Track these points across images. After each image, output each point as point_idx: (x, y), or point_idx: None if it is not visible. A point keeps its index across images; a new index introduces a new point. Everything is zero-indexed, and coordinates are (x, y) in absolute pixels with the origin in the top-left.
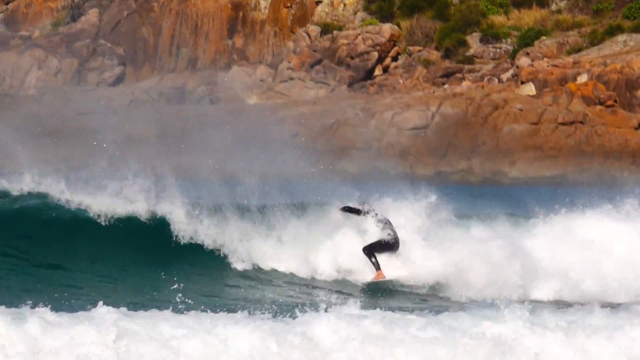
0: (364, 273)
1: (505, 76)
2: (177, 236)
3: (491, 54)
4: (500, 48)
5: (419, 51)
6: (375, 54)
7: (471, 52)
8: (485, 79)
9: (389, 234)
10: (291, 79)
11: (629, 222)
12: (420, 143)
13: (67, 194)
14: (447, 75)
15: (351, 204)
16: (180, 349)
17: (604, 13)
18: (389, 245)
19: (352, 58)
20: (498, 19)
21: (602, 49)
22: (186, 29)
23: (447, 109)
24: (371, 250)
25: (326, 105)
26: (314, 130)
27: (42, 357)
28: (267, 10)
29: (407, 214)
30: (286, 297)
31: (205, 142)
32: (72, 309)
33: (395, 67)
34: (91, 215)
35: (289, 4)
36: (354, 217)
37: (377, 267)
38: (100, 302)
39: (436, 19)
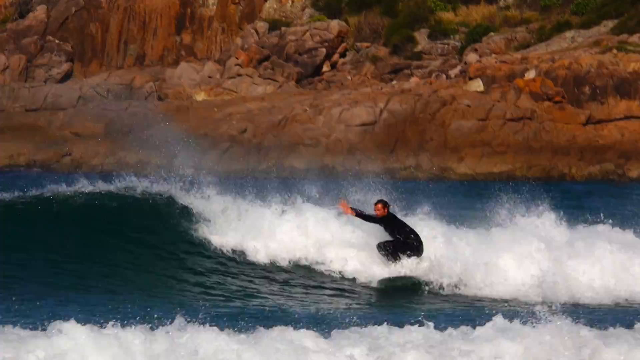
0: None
1: (453, 72)
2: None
3: (439, 50)
4: (448, 44)
5: (367, 47)
6: (324, 50)
7: (419, 48)
8: (434, 75)
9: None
10: (239, 75)
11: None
12: (369, 139)
13: None
14: (395, 71)
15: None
16: None
17: (552, 9)
18: (413, 247)
19: (300, 54)
20: (446, 15)
21: (550, 45)
22: (134, 26)
23: (395, 105)
24: (395, 250)
25: (274, 102)
26: (262, 126)
27: None
28: (215, 7)
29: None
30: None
31: (152, 139)
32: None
33: (343, 63)
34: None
35: (237, 1)
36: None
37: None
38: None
39: (384, 15)
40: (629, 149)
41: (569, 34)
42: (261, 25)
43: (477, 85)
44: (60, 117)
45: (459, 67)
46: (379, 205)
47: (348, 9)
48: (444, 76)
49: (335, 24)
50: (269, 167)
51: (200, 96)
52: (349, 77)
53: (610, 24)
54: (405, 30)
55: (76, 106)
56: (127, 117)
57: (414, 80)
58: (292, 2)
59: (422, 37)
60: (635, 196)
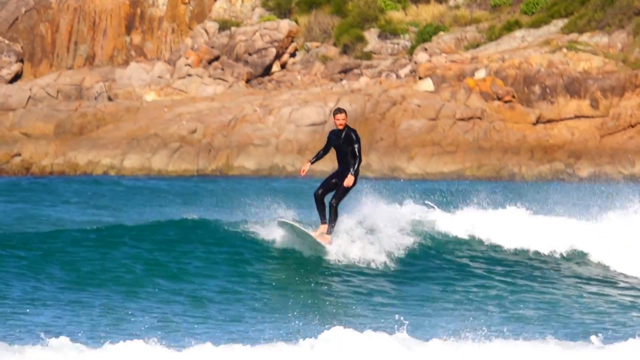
0: None
1: (403, 72)
2: None
3: (389, 50)
4: (398, 44)
5: (317, 47)
6: (273, 50)
7: (369, 48)
8: (383, 74)
9: None
10: (189, 75)
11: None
12: (319, 139)
13: None
14: (345, 71)
15: None
16: None
17: (502, 9)
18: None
19: (250, 54)
20: (396, 15)
21: (500, 44)
22: (84, 26)
23: (344, 105)
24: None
25: (224, 102)
26: (212, 126)
27: None
28: (164, 7)
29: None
30: None
31: (103, 139)
32: None
33: (293, 63)
34: None
35: (186, 1)
36: None
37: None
38: None
39: (334, 15)
40: (579, 149)
41: (519, 33)
42: (211, 26)
43: (427, 84)
44: (10, 117)
45: (408, 67)
46: (342, 115)
47: (298, 8)
48: (394, 76)
49: (285, 24)
50: (218, 167)
51: (150, 96)
52: (299, 77)
53: (560, 23)
54: (355, 30)
55: (26, 106)
56: (77, 117)
57: (363, 80)
58: (242, 2)
59: (372, 37)
60: None
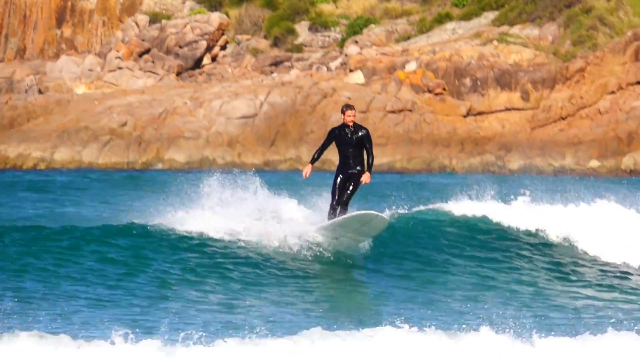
0: None
1: (334, 64)
2: None
3: (320, 43)
4: (329, 36)
5: (248, 40)
6: (204, 43)
7: (300, 40)
8: (314, 67)
9: None
10: (120, 68)
11: None
12: (249, 132)
13: None
14: (276, 63)
15: None
16: None
17: (433, 1)
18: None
19: (180, 47)
20: (327, 7)
21: (431, 37)
22: (15, 19)
23: (275, 97)
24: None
25: (155, 95)
26: (143, 119)
27: None
28: (95, 0)
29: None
30: None
31: (33, 132)
32: None
33: (224, 56)
34: None
35: None
36: None
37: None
38: None
39: (265, 8)
40: (509, 141)
41: (449, 25)
42: (142, 19)
43: (358, 77)
44: None
45: (339, 59)
46: (353, 112)
47: (228, 1)
48: (325, 68)
49: (215, 17)
50: (148, 160)
51: (81, 89)
52: (230, 70)
53: (491, 15)
54: (285, 23)
55: None
56: (8, 110)
57: (294, 72)
58: None
59: (302, 30)
60: None
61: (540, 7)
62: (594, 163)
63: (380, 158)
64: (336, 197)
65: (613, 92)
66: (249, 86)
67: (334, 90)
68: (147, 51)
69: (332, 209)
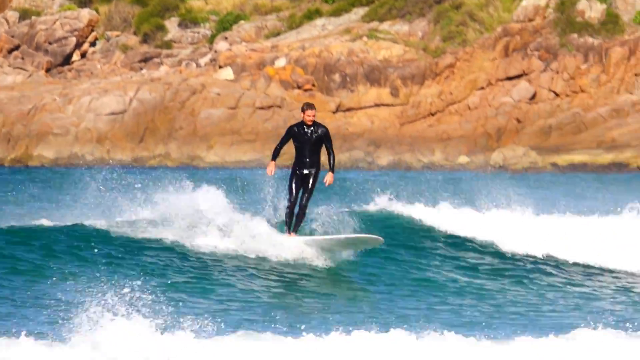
0: None
1: (203, 61)
2: None
3: (189, 39)
4: (198, 33)
5: (117, 36)
6: (74, 40)
7: (169, 37)
8: (184, 63)
9: None
10: None
11: None
12: (118, 128)
13: None
14: (145, 60)
15: None
16: None
17: None
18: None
19: (50, 43)
20: (196, 3)
21: (301, 33)
22: None
23: (144, 93)
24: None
25: (24, 91)
26: (11, 116)
27: None
28: None
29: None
30: None
31: None
32: None
33: (94, 52)
34: None
35: None
36: None
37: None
38: None
39: (135, 4)
40: (379, 137)
41: (319, 22)
42: (11, 15)
43: (227, 73)
44: None
45: (209, 56)
46: (313, 112)
47: None
48: (194, 65)
49: (85, 13)
50: (17, 156)
51: None
52: (99, 66)
53: (360, 11)
54: (155, 19)
55: None
56: None
57: (163, 68)
58: None
59: (172, 26)
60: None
61: (410, 3)
62: (463, 159)
63: (249, 154)
64: (293, 196)
65: (482, 88)
66: (118, 82)
67: (203, 86)
68: (17, 47)
69: (289, 209)
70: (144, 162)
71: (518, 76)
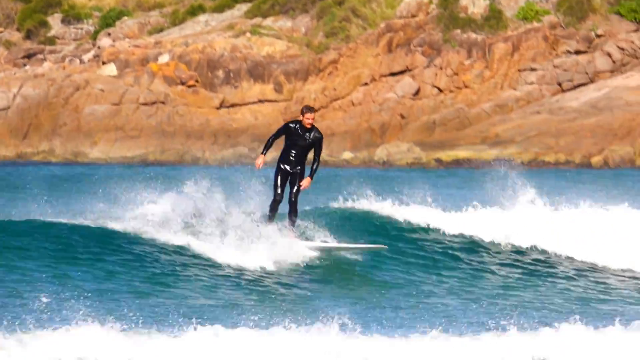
0: None
1: (86, 57)
2: None
3: (73, 35)
4: (82, 29)
5: (0, 32)
6: None
7: (53, 33)
8: (67, 59)
9: None
10: None
11: None
12: (2, 124)
13: None
14: (29, 56)
15: None
16: None
17: None
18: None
19: None
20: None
21: (184, 29)
22: None
23: (28, 90)
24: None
25: None
26: None
27: None
28: None
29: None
30: None
31: None
32: None
33: None
34: None
35: None
36: None
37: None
38: None
39: (17, 0)
40: (263, 133)
41: (202, 18)
42: None
43: (111, 69)
44: None
45: (92, 52)
46: (313, 115)
47: None
48: (78, 61)
49: None
50: None
51: None
52: None
53: (244, 7)
54: (38, 15)
55: None
56: None
57: (47, 65)
58: None
59: (55, 22)
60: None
61: (293, 0)
62: (347, 155)
63: (133, 150)
64: (278, 192)
65: (366, 84)
66: (1, 79)
67: (87, 82)
68: None
69: (273, 203)
70: (28, 158)
71: (401, 72)
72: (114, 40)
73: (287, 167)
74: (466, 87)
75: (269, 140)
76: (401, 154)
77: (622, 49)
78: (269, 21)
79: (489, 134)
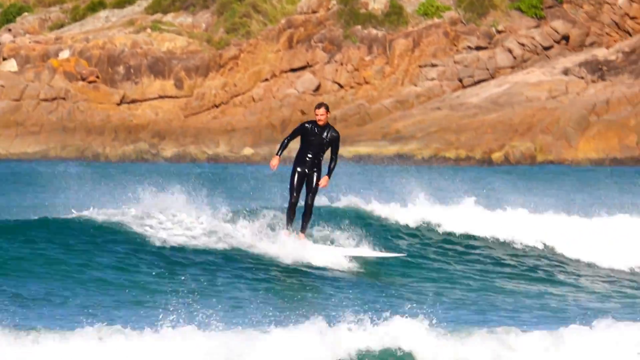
0: None
1: None
2: None
3: None
4: None
5: None
6: None
7: None
8: None
9: None
10: None
11: None
12: None
13: None
14: None
15: None
16: None
17: None
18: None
19: None
20: None
21: (85, 25)
22: None
23: None
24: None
25: None
26: None
27: None
28: None
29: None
30: None
31: None
32: None
33: None
34: None
35: None
36: None
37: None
38: None
39: None
40: (163, 129)
41: (103, 13)
42: None
43: (11, 65)
44: None
45: None
46: (324, 110)
47: None
48: None
49: None
50: None
51: None
52: None
53: (144, 3)
54: None
55: None
56: None
57: None
58: None
59: None
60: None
61: None
62: (248, 150)
63: (34, 146)
64: (293, 195)
65: (267, 80)
66: None
67: None
68: None
69: (290, 207)
70: None
71: (302, 68)
72: (14, 36)
73: (303, 170)
74: (367, 83)
75: (284, 141)
76: None
77: (522, 44)
78: (169, 17)
79: (389, 130)
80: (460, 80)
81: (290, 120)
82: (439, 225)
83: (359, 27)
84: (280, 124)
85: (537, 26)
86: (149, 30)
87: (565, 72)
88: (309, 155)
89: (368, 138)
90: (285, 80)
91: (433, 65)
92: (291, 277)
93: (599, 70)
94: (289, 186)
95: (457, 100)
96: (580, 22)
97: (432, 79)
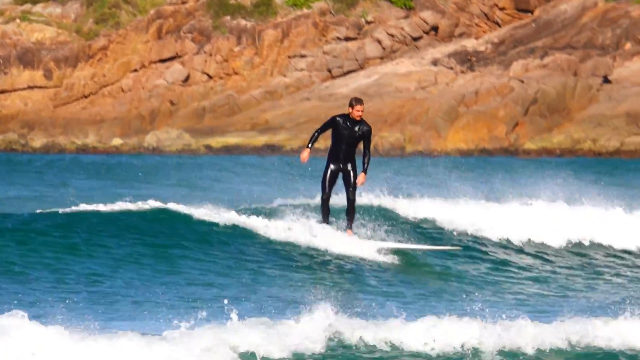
0: None
1: None
2: None
3: None
4: None
5: None
6: None
7: None
8: None
9: None
10: None
11: None
12: None
13: None
14: None
15: None
16: None
17: None
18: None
19: None
20: None
21: None
22: None
23: None
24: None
25: None
26: None
27: None
28: None
29: None
30: None
31: None
32: None
33: None
34: None
35: None
36: None
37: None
38: None
39: None
40: (32, 119)
41: None
42: None
43: None
44: None
45: None
46: (362, 107)
47: None
48: None
49: None
50: None
51: None
52: None
53: None
54: None
55: None
56: None
57: None
58: None
59: None
60: None
61: None
62: (117, 141)
63: None
64: (325, 191)
65: (136, 70)
66: None
67: None
68: None
69: (324, 203)
70: None
71: (171, 58)
72: None
73: (337, 166)
74: (236, 73)
75: (314, 133)
76: (171, 140)
77: (391, 35)
78: (38, 7)
79: (258, 121)
80: (330, 71)
81: (160, 110)
82: None
83: (228, 17)
84: (149, 115)
85: (407, 17)
86: (18, 20)
87: (435, 62)
88: (342, 150)
89: (237, 129)
90: (154, 71)
91: (302, 56)
92: (345, 273)
93: (468, 61)
94: (321, 182)
95: (326, 91)
96: (449, 13)
97: (301, 70)
